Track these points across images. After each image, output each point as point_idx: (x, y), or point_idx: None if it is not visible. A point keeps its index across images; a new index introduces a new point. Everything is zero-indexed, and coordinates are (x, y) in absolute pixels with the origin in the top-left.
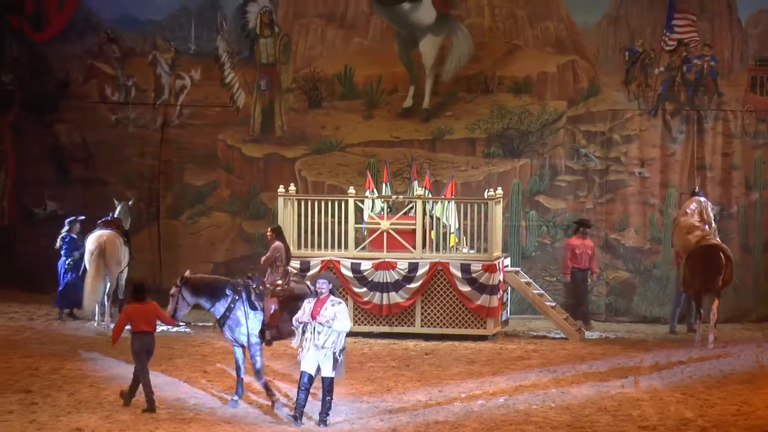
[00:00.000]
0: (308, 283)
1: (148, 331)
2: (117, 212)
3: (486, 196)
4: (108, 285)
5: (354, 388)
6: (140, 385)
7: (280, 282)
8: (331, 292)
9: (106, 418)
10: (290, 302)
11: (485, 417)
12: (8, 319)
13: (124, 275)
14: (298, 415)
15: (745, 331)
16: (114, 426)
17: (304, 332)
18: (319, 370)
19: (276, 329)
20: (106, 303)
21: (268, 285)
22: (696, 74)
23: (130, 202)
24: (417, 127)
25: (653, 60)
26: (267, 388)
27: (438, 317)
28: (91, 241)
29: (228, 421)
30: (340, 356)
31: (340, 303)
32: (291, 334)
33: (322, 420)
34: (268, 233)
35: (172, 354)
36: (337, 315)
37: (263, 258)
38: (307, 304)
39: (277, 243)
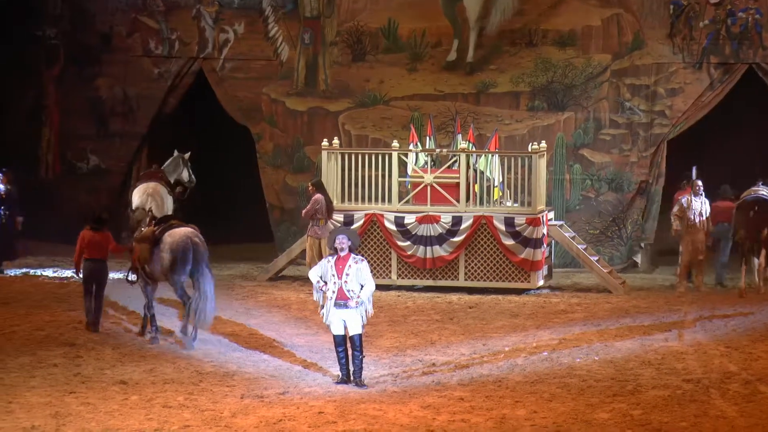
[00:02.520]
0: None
1: (99, 258)
2: (166, 164)
3: (530, 150)
4: None
5: (398, 341)
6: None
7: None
8: (350, 249)
9: (150, 371)
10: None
11: (529, 370)
12: (52, 272)
13: None
14: (343, 375)
15: None
16: (158, 379)
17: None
18: (346, 328)
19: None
20: None
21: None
22: (741, 27)
23: (186, 156)
24: (461, 80)
25: (698, 13)
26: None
27: (481, 271)
28: (136, 194)
29: (272, 375)
30: (364, 313)
31: (361, 261)
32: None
33: (357, 381)
34: (309, 187)
35: (217, 306)
36: (363, 280)
37: (304, 211)
38: (326, 263)
39: (318, 196)
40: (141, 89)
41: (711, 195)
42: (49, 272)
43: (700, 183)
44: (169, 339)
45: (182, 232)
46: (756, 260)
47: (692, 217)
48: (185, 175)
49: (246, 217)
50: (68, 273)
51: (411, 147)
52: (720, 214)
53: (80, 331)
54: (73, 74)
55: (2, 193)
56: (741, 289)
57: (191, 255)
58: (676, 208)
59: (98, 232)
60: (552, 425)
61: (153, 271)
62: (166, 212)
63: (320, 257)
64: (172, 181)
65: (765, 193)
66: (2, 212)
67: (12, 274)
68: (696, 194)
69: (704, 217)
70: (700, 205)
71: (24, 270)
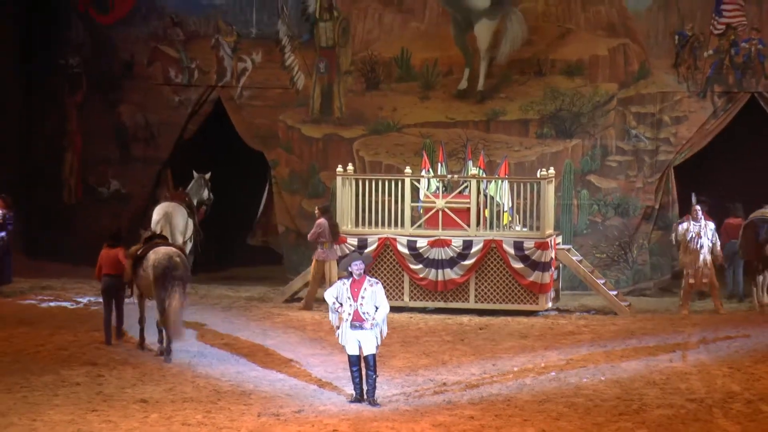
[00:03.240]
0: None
1: (114, 274)
2: (189, 186)
3: (539, 176)
4: None
5: (410, 361)
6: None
7: None
8: (364, 271)
9: (169, 390)
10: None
11: (537, 390)
12: (74, 293)
13: (188, 246)
14: (357, 394)
15: None
16: (177, 397)
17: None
18: (361, 348)
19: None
20: None
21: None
22: (744, 57)
23: (207, 176)
24: (472, 108)
25: (702, 43)
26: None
27: (491, 293)
28: (156, 212)
29: (287, 394)
30: (379, 334)
31: (377, 284)
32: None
33: (370, 399)
34: (316, 211)
35: (235, 328)
36: (378, 302)
37: (309, 234)
38: (342, 285)
39: (321, 220)
40: (162, 116)
41: (722, 215)
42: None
43: (698, 208)
44: (187, 356)
45: (164, 251)
46: (760, 278)
47: (691, 242)
48: (205, 194)
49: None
50: (85, 299)
51: (423, 173)
52: (731, 230)
53: (102, 350)
54: (96, 101)
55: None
56: (760, 303)
57: (171, 273)
58: (672, 235)
59: (114, 248)
60: None
61: (138, 287)
62: (180, 231)
63: (324, 278)
64: (195, 202)
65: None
66: (3, 236)
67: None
68: (695, 219)
69: (706, 240)
70: (699, 230)
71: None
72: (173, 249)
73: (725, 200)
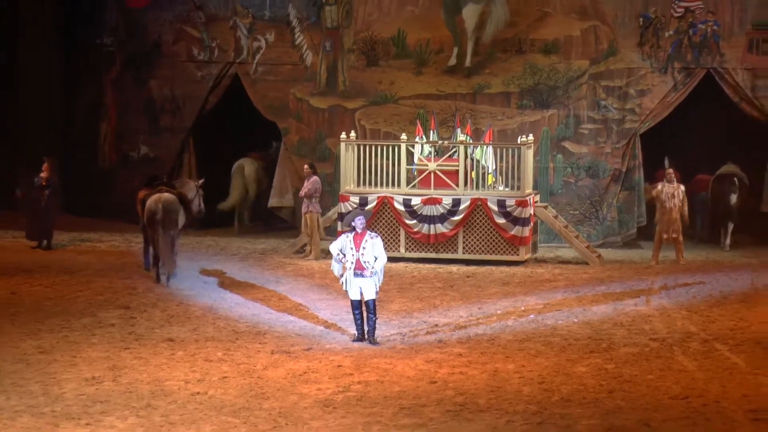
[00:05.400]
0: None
1: None
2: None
3: (519, 142)
4: None
5: (405, 305)
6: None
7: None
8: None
9: (193, 330)
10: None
11: (518, 330)
12: (111, 245)
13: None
14: (359, 334)
15: (741, 258)
16: (200, 337)
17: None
18: (362, 294)
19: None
20: None
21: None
22: (701, 37)
23: (200, 182)
24: (460, 82)
25: (664, 25)
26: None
27: (477, 245)
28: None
29: (298, 334)
30: (378, 281)
31: (376, 237)
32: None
33: (371, 339)
34: (306, 168)
35: (251, 276)
36: (377, 253)
37: (304, 191)
38: (345, 238)
39: (315, 177)
40: (186, 89)
41: (691, 172)
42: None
43: (671, 171)
44: (209, 301)
45: (155, 197)
46: (731, 225)
47: (665, 201)
48: (196, 203)
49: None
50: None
51: (417, 139)
52: (700, 185)
53: (134, 295)
54: (128, 77)
55: (42, 180)
56: (724, 245)
57: (155, 217)
58: (650, 194)
59: (149, 188)
60: (537, 377)
61: (145, 225)
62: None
63: (318, 230)
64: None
65: (734, 170)
66: (46, 197)
67: (73, 246)
68: (669, 181)
69: (677, 200)
70: (672, 190)
71: (86, 243)
72: (164, 195)
73: (686, 164)
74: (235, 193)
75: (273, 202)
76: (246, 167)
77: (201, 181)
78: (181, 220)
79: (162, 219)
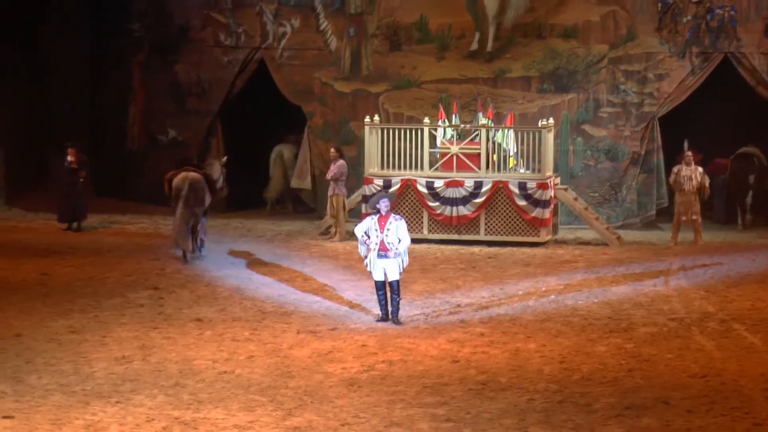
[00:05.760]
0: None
1: None
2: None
3: (539, 125)
4: None
5: (428, 286)
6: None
7: None
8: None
9: (221, 310)
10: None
11: (538, 311)
12: (139, 227)
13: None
14: (383, 314)
15: (758, 239)
16: (227, 317)
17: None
18: (386, 275)
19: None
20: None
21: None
22: (718, 22)
23: (224, 159)
24: (481, 67)
25: (682, 10)
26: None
27: (499, 227)
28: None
29: (323, 314)
30: (401, 262)
31: (400, 219)
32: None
33: (394, 319)
34: (332, 152)
35: (277, 257)
36: (401, 235)
37: (330, 173)
38: (370, 220)
39: (341, 161)
40: (213, 74)
41: (709, 155)
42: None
43: (689, 154)
44: (236, 281)
45: (181, 176)
46: (747, 200)
47: (683, 183)
48: (220, 181)
49: None
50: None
51: (440, 123)
52: (718, 168)
53: (162, 276)
54: (156, 61)
55: (72, 164)
56: (744, 224)
57: (179, 194)
58: (671, 177)
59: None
60: (558, 356)
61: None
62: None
63: (344, 211)
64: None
65: (753, 150)
66: (77, 179)
67: (104, 228)
68: (687, 164)
69: (695, 182)
70: (690, 173)
71: (115, 225)
72: (191, 174)
73: (704, 147)
74: (275, 181)
75: (294, 183)
76: (285, 153)
77: (224, 159)
78: (207, 199)
79: (186, 196)
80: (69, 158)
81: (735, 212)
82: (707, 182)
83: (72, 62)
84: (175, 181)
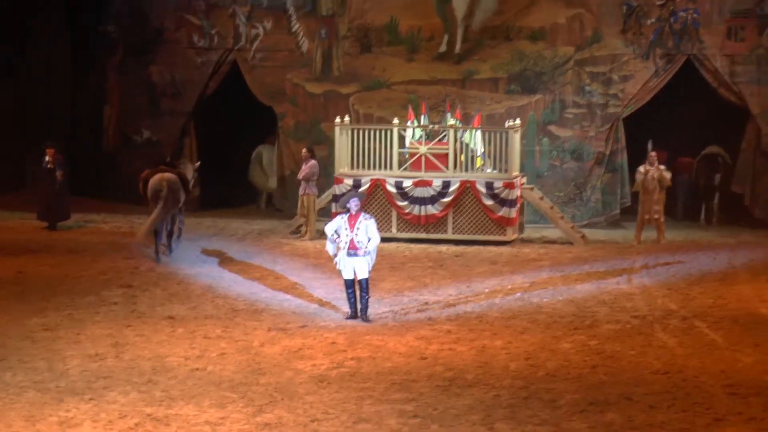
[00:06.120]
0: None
1: None
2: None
3: (506, 126)
4: None
5: (397, 284)
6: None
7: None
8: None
9: (193, 308)
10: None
11: (505, 308)
12: (114, 226)
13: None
14: (352, 312)
15: (719, 238)
16: (199, 315)
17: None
18: (355, 273)
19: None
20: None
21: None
22: (681, 25)
23: (196, 165)
24: (450, 68)
25: (646, 12)
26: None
27: (466, 226)
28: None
29: (293, 312)
30: (371, 261)
31: (370, 218)
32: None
33: (363, 316)
34: (304, 152)
35: (249, 255)
36: (370, 234)
37: (302, 174)
38: (341, 219)
39: (313, 161)
40: (187, 75)
41: (673, 155)
42: (110, 227)
43: (653, 154)
44: (208, 279)
45: (157, 177)
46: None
47: (649, 183)
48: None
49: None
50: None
51: (409, 124)
52: (682, 167)
53: (136, 275)
54: (131, 62)
55: (49, 163)
56: (708, 221)
57: (164, 194)
58: (637, 177)
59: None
60: (523, 353)
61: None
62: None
63: (314, 210)
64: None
65: (717, 150)
66: (56, 179)
67: (79, 227)
68: (651, 164)
69: (656, 181)
70: (654, 172)
71: (91, 224)
72: (166, 174)
73: (668, 147)
74: (257, 180)
75: (270, 182)
76: (264, 155)
77: (197, 164)
78: (182, 198)
79: (165, 196)
80: (47, 158)
81: (699, 210)
82: (668, 176)
83: (49, 63)
84: (152, 181)
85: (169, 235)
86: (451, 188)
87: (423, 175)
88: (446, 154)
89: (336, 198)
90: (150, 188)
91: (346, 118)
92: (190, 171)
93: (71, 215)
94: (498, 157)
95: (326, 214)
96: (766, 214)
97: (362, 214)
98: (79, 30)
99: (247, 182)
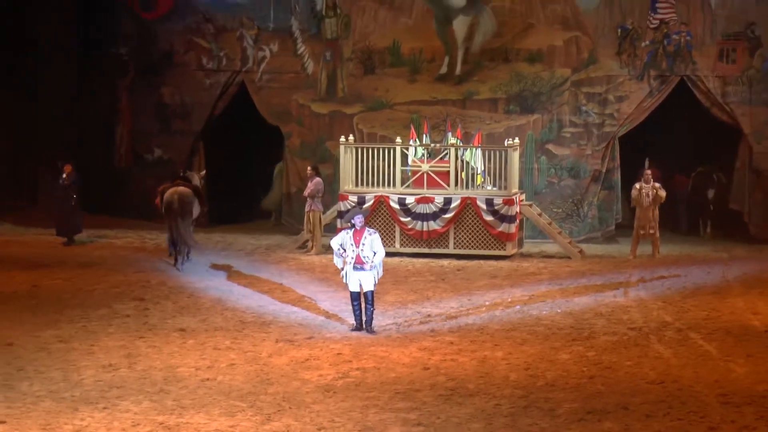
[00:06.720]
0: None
1: None
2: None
3: (506, 145)
4: None
5: (400, 297)
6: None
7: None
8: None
9: (203, 321)
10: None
11: (505, 320)
12: (126, 241)
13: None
14: (357, 324)
15: (713, 252)
16: (209, 327)
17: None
18: (361, 286)
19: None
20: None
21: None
22: (675, 47)
23: (202, 173)
24: (450, 89)
25: (640, 35)
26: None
27: (467, 241)
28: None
29: (300, 324)
30: (376, 274)
31: (374, 233)
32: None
33: (368, 328)
34: (309, 171)
35: (257, 270)
36: (375, 248)
37: (308, 191)
38: (345, 234)
39: (318, 179)
40: (196, 96)
41: (669, 173)
42: (122, 242)
43: (648, 172)
44: (217, 293)
45: (171, 191)
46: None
47: (643, 200)
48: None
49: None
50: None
51: (411, 142)
52: (678, 184)
53: (147, 288)
54: (141, 83)
55: (65, 180)
56: (706, 232)
57: (170, 208)
58: (633, 193)
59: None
60: (523, 364)
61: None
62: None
63: (320, 226)
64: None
65: (711, 168)
66: (71, 195)
67: (91, 242)
68: (647, 182)
69: (651, 198)
70: (649, 190)
71: (103, 239)
72: (180, 189)
73: (662, 165)
74: (274, 194)
75: (265, 203)
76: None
77: (203, 172)
78: (196, 211)
79: (178, 209)
80: (64, 175)
81: (696, 223)
82: (663, 194)
83: (61, 84)
84: (167, 195)
85: (174, 243)
86: (453, 204)
87: (425, 192)
88: (447, 172)
89: (341, 214)
90: (164, 202)
91: (351, 137)
92: (196, 180)
93: (85, 230)
94: (498, 174)
95: (332, 230)
96: (760, 230)
97: (367, 229)
98: (91, 52)
99: (258, 198)
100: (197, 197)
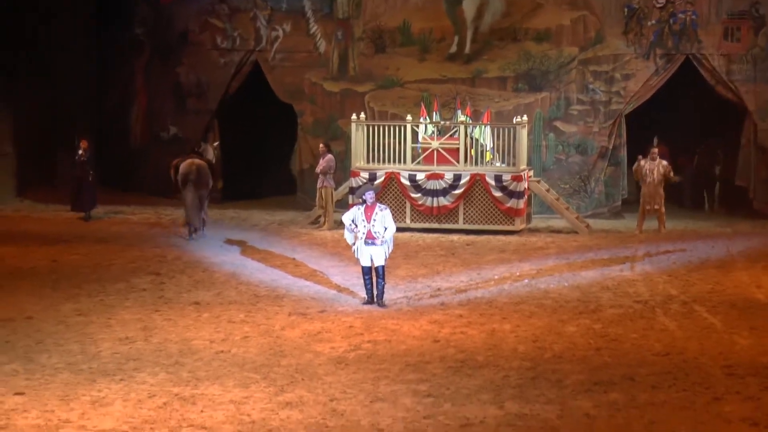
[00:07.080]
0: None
1: None
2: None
3: (514, 122)
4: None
5: (411, 271)
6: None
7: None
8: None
9: (217, 294)
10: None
11: (513, 294)
12: (142, 217)
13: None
14: (368, 298)
15: (717, 227)
16: (224, 300)
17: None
18: (372, 261)
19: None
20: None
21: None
22: (680, 26)
23: (215, 144)
24: (460, 68)
25: (646, 14)
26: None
27: (476, 216)
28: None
29: (313, 297)
30: (387, 249)
31: (385, 209)
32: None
33: (380, 302)
34: (321, 147)
35: (270, 245)
36: (386, 224)
37: (320, 167)
38: (357, 210)
39: (330, 156)
40: (210, 75)
41: (674, 149)
42: (139, 218)
43: (655, 150)
44: (231, 267)
45: (188, 161)
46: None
47: (646, 176)
48: (210, 156)
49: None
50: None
51: (421, 120)
52: (685, 161)
53: (163, 263)
54: (157, 63)
55: (81, 156)
56: (710, 207)
57: (186, 178)
58: (634, 166)
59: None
60: (531, 336)
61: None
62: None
63: (332, 202)
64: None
65: (717, 144)
66: (88, 171)
67: (108, 218)
68: (653, 159)
69: (658, 175)
70: (653, 166)
71: (119, 215)
72: (195, 160)
73: (668, 142)
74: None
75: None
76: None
77: (216, 144)
78: (210, 182)
79: (195, 180)
80: (80, 151)
81: (702, 198)
82: (671, 173)
83: (79, 65)
84: (183, 166)
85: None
86: (462, 181)
87: (435, 168)
88: (457, 149)
89: (353, 190)
90: (180, 173)
91: (362, 115)
92: (210, 153)
93: (102, 207)
94: (506, 151)
95: (344, 206)
96: (764, 206)
97: (378, 204)
98: (108, 33)
99: (270, 174)
100: (211, 171)
